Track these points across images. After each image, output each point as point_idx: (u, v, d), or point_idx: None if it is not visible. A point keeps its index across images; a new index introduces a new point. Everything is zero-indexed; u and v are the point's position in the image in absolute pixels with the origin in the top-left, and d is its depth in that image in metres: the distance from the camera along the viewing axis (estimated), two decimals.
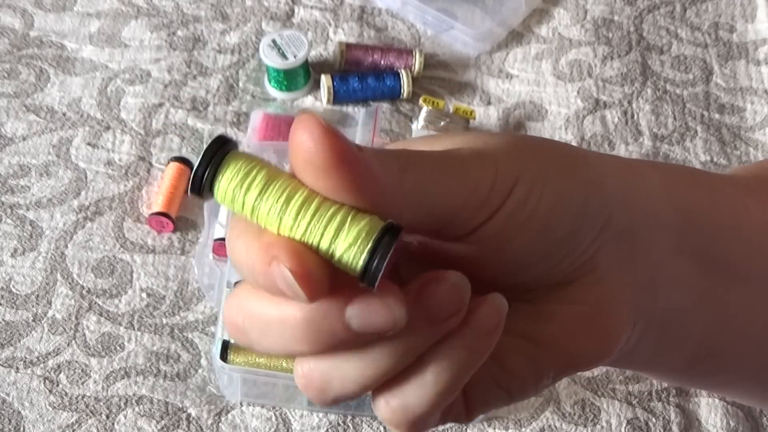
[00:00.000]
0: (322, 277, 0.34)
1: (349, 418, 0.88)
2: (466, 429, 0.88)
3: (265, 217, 0.34)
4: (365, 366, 0.36)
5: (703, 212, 0.45)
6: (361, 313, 0.34)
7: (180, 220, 1.00)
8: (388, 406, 0.37)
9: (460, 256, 0.38)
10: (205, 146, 0.34)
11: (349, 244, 0.34)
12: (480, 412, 0.40)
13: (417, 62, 1.11)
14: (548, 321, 0.39)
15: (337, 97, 1.09)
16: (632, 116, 1.09)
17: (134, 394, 0.88)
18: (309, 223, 0.34)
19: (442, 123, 1.04)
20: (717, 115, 1.10)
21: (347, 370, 0.36)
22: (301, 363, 0.37)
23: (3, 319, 0.92)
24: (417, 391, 0.37)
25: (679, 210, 0.44)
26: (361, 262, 0.33)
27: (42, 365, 0.90)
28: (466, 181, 0.37)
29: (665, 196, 0.43)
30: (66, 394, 0.88)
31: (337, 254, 0.34)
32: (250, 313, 0.36)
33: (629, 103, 1.11)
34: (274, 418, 0.88)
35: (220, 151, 0.35)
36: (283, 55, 1.07)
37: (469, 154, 0.37)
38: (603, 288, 0.40)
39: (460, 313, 0.36)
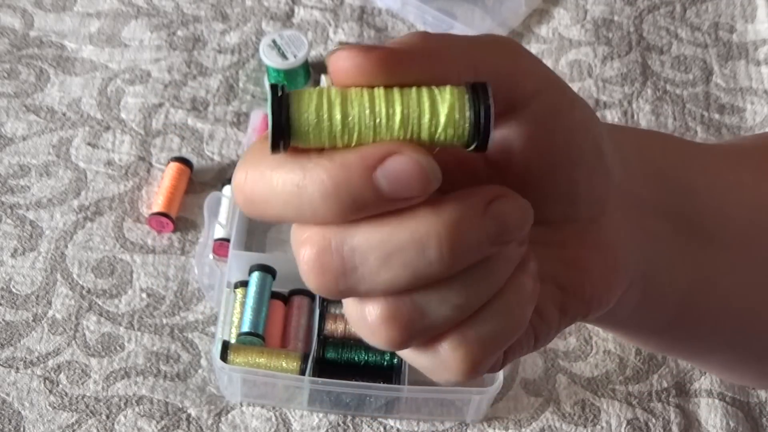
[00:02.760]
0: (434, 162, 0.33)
1: (349, 418, 0.88)
2: (466, 429, 0.88)
3: (358, 124, 0.33)
4: (462, 291, 0.35)
5: (674, 174, 0.47)
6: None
7: (180, 220, 1.00)
8: (463, 343, 0.35)
9: (502, 166, 0.38)
10: (269, 99, 0.33)
11: (448, 109, 0.32)
12: (512, 358, 0.40)
13: None
14: (573, 267, 0.40)
15: None
16: (632, 116, 1.09)
17: (134, 395, 0.88)
18: (402, 105, 0.32)
19: None
20: (717, 116, 1.10)
21: (443, 300, 0.34)
22: (389, 301, 0.34)
23: (3, 319, 0.92)
24: (492, 322, 0.36)
25: (651, 171, 0.45)
26: (467, 123, 0.33)
27: (42, 365, 0.90)
28: (508, 52, 0.37)
29: (636, 157, 0.44)
30: (66, 394, 0.88)
31: (440, 126, 0.33)
32: (356, 245, 0.33)
33: (629, 103, 1.11)
34: (274, 418, 0.88)
35: (283, 94, 0.33)
36: (283, 55, 1.07)
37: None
38: (612, 233, 0.41)
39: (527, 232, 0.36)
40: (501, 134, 0.37)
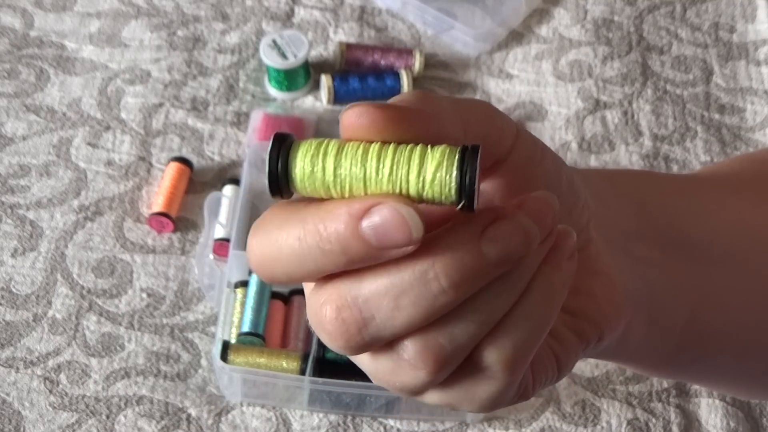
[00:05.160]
0: (418, 213, 0.34)
1: (350, 418, 0.88)
2: (466, 429, 0.88)
3: (348, 176, 0.35)
4: (485, 308, 0.36)
5: (651, 203, 0.48)
6: (498, 236, 0.35)
7: (180, 220, 1.00)
8: (501, 351, 0.37)
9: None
10: (269, 146, 0.35)
11: (435, 167, 0.34)
12: (540, 385, 0.41)
13: (417, 62, 1.11)
14: (578, 293, 0.41)
15: (337, 97, 1.09)
16: (632, 116, 1.09)
17: (134, 395, 0.88)
18: (393, 162, 0.34)
19: None
20: (717, 116, 1.10)
21: (469, 322, 0.36)
22: (418, 337, 0.36)
23: (3, 319, 0.92)
24: (523, 326, 0.36)
25: (627, 203, 0.47)
26: (453, 183, 0.34)
27: (42, 365, 0.90)
28: (486, 114, 0.39)
29: (610, 191, 0.47)
30: (66, 394, 0.88)
31: (428, 183, 0.34)
32: (368, 296, 0.35)
33: (629, 103, 1.11)
34: (274, 418, 0.88)
35: (285, 143, 0.35)
36: (283, 55, 1.07)
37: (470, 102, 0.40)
38: (605, 259, 0.43)
39: (555, 225, 0.37)
40: (485, 187, 0.40)
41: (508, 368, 0.37)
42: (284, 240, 0.35)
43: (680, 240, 0.48)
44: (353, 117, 0.35)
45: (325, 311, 0.35)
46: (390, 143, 0.35)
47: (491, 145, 0.38)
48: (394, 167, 0.34)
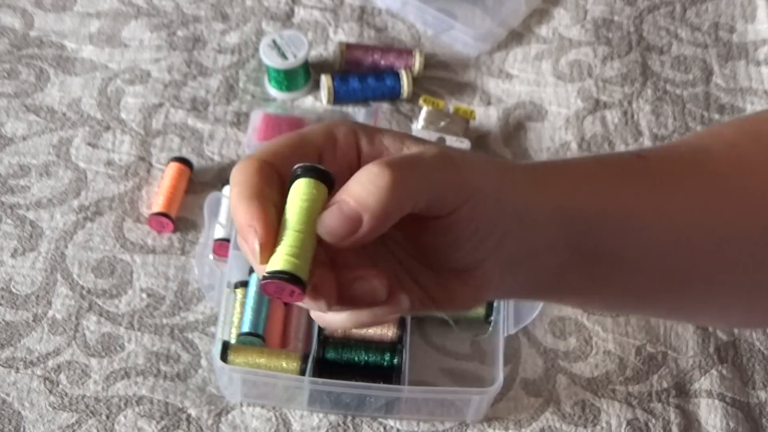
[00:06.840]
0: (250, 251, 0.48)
1: (349, 418, 0.88)
2: (466, 429, 0.88)
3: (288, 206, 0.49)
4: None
5: (583, 208, 0.54)
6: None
7: (180, 220, 1.00)
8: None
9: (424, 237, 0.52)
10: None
11: (276, 258, 0.48)
12: (365, 296, 0.50)
13: (417, 62, 1.11)
14: (442, 290, 0.52)
15: (337, 97, 1.09)
16: (632, 116, 1.09)
17: (134, 395, 0.88)
18: (290, 225, 0.49)
19: (442, 123, 1.04)
20: (717, 116, 1.10)
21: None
22: None
23: (3, 319, 0.92)
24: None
25: (556, 208, 0.53)
26: (266, 272, 0.48)
27: (42, 365, 0.90)
28: (445, 168, 0.49)
29: (539, 201, 0.53)
30: (66, 394, 0.88)
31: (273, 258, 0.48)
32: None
33: (629, 103, 1.11)
34: (274, 419, 0.88)
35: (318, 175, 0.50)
36: (283, 55, 1.07)
37: (442, 158, 0.50)
38: (483, 281, 0.53)
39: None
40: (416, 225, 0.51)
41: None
42: (233, 205, 0.49)
43: (599, 246, 0.55)
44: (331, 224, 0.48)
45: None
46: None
47: (443, 201, 0.49)
48: (287, 228, 0.49)
